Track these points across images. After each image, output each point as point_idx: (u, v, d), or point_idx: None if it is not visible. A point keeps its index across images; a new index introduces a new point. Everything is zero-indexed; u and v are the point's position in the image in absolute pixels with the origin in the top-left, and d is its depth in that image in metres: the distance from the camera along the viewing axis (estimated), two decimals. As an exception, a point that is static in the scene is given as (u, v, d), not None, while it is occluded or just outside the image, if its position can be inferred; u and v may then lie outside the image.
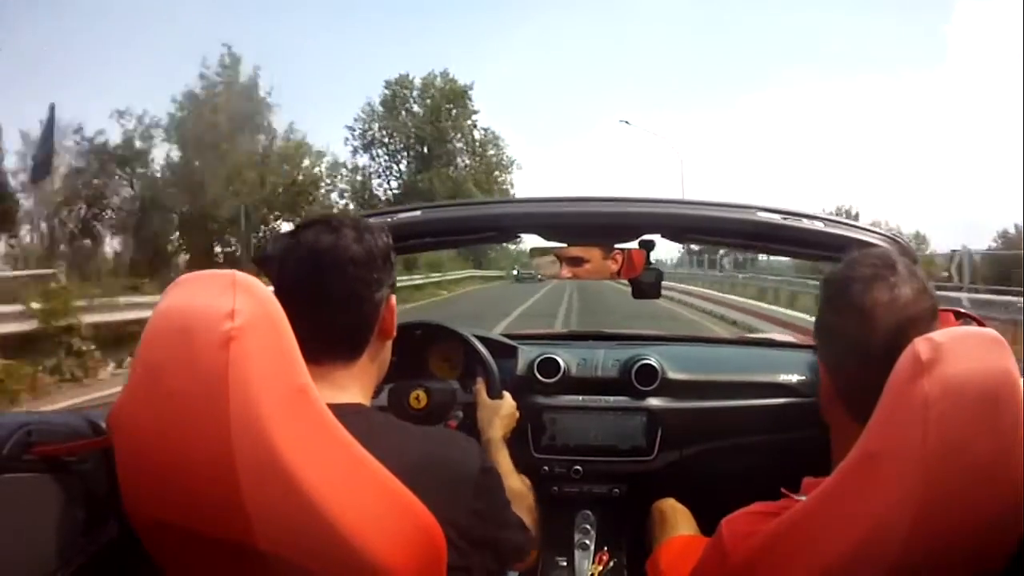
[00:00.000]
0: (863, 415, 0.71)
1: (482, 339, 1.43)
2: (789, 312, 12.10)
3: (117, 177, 20.54)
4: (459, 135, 37.30)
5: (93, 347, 7.37)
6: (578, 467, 1.48)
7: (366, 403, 0.82)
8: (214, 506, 0.62)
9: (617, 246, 1.36)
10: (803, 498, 0.73)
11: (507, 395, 1.31)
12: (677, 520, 1.22)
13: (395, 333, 0.87)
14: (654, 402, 1.49)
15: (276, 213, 22.32)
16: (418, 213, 1.30)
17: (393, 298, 0.85)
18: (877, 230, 1.23)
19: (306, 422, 0.64)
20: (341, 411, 0.71)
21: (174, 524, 0.64)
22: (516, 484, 1.11)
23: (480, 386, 1.31)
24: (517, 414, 1.31)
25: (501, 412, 1.27)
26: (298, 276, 0.80)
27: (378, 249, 0.81)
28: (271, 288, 0.77)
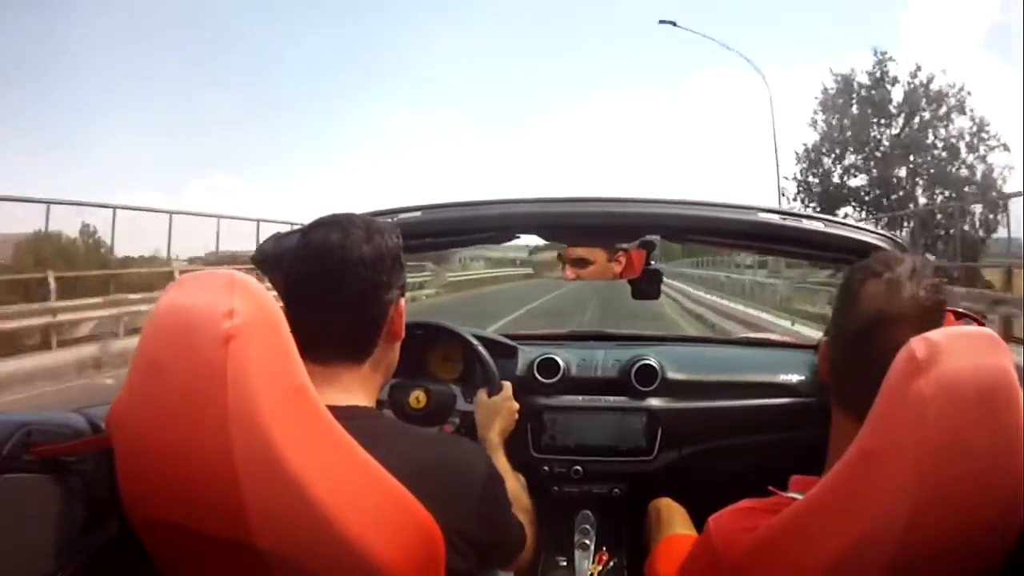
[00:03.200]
0: (843, 401, 0.78)
1: (482, 339, 1.44)
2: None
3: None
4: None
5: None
6: (578, 467, 1.48)
7: (372, 405, 0.82)
8: (213, 504, 0.62)
9: (619, 247, 1.36)
10: (792, 495, 0.74)
11: (507, 391, 1.30)
12: (673, 519, 1.22)
13: (403, 335, 0.85)
14: (654, 402, 1.49)
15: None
16: (418, 213, 1.31)
17: (402, 300, 0.83)
18: (877, 231, 1.23)
19: (304, 421, 0.65)
20: (349, 413, 0.71)
21: (173, 522, 0.64)
22: (513, 485, 1.11)
23: (481, 391, 1.31)
24: (517, 414, 1.30)
25: (500, 412, 1.26)
26: (306, 276, 0.79)
27: (388, 250, 0.79)
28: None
